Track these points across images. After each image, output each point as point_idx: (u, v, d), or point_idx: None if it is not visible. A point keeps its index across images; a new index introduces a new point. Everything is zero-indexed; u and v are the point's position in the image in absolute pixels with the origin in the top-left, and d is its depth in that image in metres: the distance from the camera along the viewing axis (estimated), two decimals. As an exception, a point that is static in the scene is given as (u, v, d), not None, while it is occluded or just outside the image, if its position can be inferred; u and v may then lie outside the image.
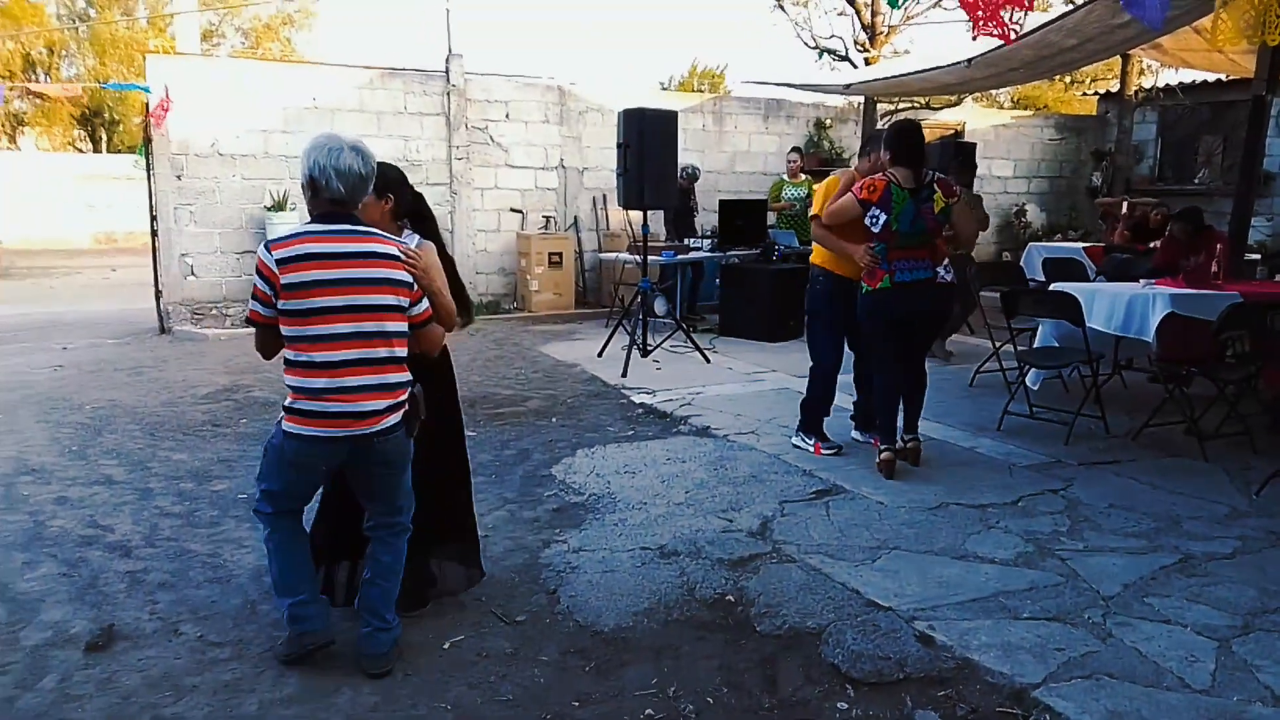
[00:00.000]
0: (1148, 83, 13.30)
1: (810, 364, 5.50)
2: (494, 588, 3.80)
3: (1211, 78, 12.76)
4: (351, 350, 2.86)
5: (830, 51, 11.80)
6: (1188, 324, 5.63)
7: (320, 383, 2.84)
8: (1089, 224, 14.05)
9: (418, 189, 3.57)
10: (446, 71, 10.61)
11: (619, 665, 3.20)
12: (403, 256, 2.95)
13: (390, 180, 3.30)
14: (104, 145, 30.70)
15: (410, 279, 2.96)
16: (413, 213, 3.44)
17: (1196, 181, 13.59)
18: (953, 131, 13.87)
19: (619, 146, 7.60)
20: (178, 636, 3.40)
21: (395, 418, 2.94)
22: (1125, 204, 11.48)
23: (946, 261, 5.04)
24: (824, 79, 10.00)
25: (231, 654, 3.28)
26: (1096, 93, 14.71)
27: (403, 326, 2.97)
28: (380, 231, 2.98)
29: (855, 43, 11.41)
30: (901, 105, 12.45)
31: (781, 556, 3.93)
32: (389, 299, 2.91)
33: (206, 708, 2.93)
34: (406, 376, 3.01)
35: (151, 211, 9.54)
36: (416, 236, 3.38)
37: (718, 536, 4.17)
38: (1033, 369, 5.98)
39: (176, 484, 5.09)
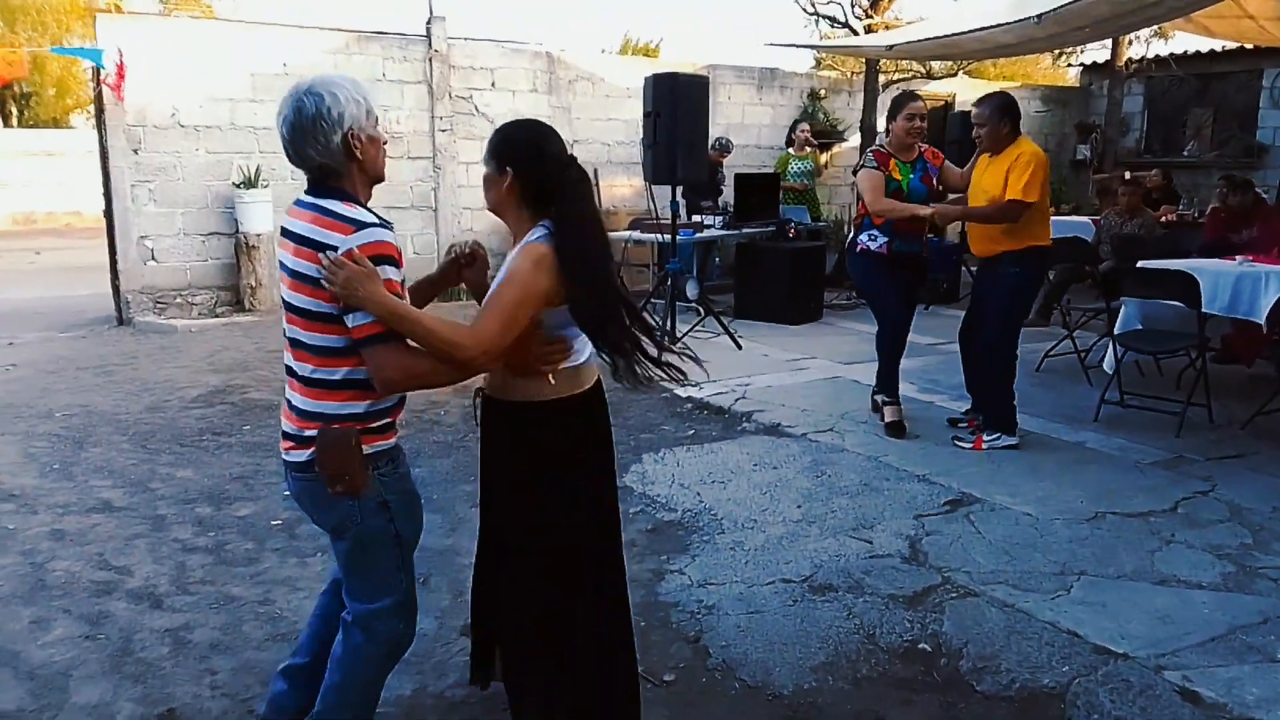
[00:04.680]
0: (1136, 53, 13.02)
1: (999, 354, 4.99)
2: (620, 635, 3.17)
3: (1204, 48, 12.59)
4: (287, 354, 2.24)
5: (829, 18, 11.23)
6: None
7: None
8: (1077, 197, 13.79)
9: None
10: (428, 35, 9.75)
11: (820, 740, 2.62)
12: (326, 253, 2.05)
13: (511, 147, 2.30)
14: (15, 120, 28.65)
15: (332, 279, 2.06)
16: (541, 193, 2.28)
17: (1185, 154, 13.43)
18: (943, 103, 13.48)
19: (646, 115, 6.92)
20: (257, 721, 2.71)
21: (301, 455, 2.19)
22: (1125, 175, 11.18)
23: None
24: (864, 40, 9.45)
25: (333, 743, 2.60)
26: (1082, 64, 14.45)
27: (322, 339, 2.13)
28: (336, 209, 2.11)
29: (854, 6, 10.85)
30: (898, 76, 11.97)
31: (957, 589, 3.37)
32: (297, 299, 2.13)
33: (334, 831, 2.26)
34: (324, 406, 2.16)
35: (106, 190, 8.55)
36: (540, 231, 2.25)
37: (868, 564, 3.60)
38: (1128, 352, 5.52)
39: (191, 509, 4.34)
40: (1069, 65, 14.50)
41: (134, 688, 2.88)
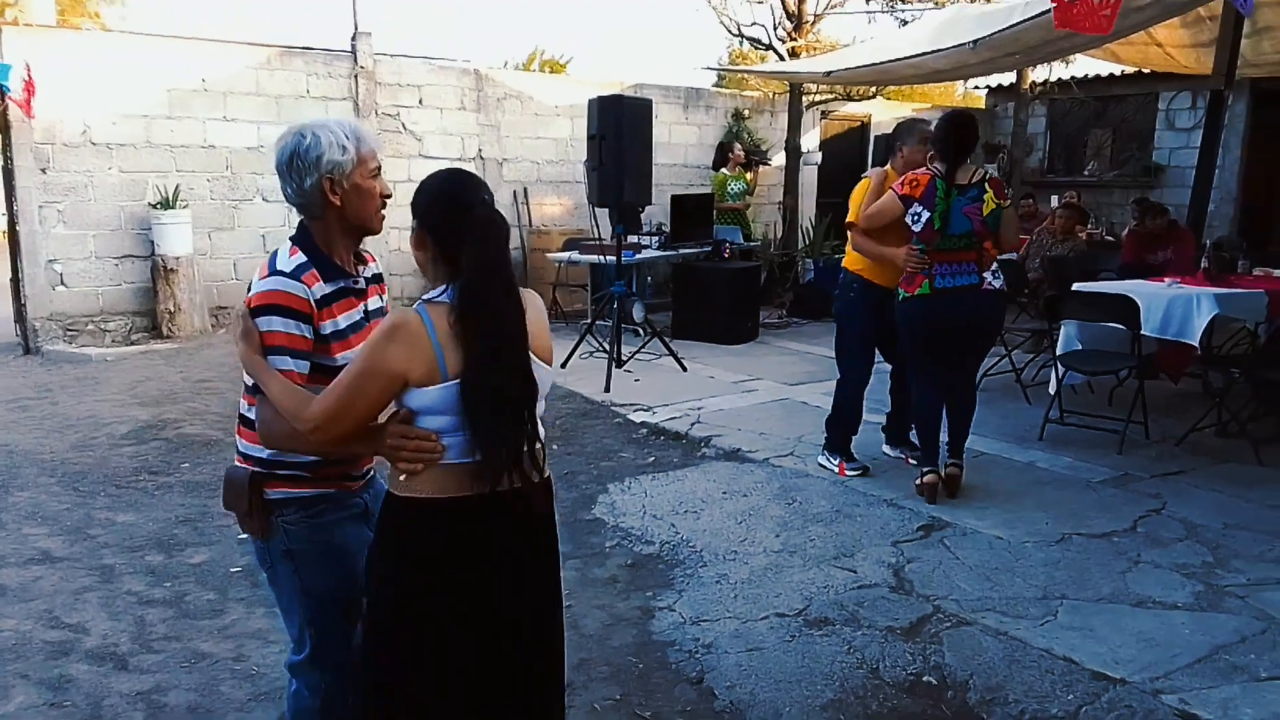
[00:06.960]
0: (1040, 76, 13.56)
1: (838, 377, 5.08)
2: (620, 677, 3.13)
3: (1104, 72, 13.21)
4: None
5: (753, 40, 11.38)
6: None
7: None
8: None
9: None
10: (353, 51, 9.51)
11: (843, 782, 2.62)
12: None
13: (421, 196, 1.98)
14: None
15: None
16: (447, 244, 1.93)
17: (1086, 173, 14.04)
18: (859, 123, 13.82)
19: (591, 138, 6.89)
20: (256, 793, 2.57)
21: None
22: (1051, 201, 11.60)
23: (995, 266, 4.63)
24: (801, 66, 9.56)
25: (342, 813, 2.47)
26: (988, 87, 14.98)
27: (247, 378, 2.11)
28: (279, 252, 2.10)
29: (778, 28, 11.05)
30: (819, 97, 12.19)
31: (949, 617, 3.42)
32: None
33: None
34: (242, 444, 2.16)
35: (10, 211, 8.08)
36: (431, 293, 1.95)
37: (858, 594, 3.62)
38: (1068, 372, 5.72)
39: (140, 557, 4.11)
40: (975, 88, 15.00)
41: (113, 762, 2.70)
